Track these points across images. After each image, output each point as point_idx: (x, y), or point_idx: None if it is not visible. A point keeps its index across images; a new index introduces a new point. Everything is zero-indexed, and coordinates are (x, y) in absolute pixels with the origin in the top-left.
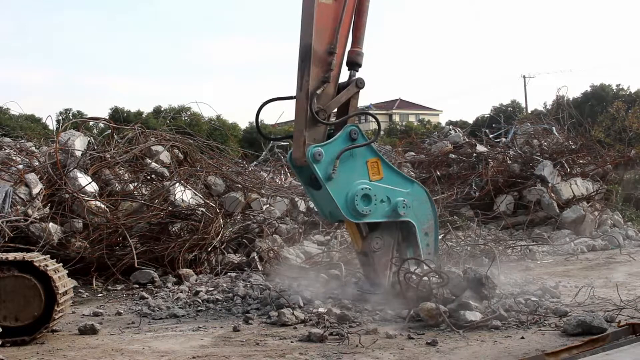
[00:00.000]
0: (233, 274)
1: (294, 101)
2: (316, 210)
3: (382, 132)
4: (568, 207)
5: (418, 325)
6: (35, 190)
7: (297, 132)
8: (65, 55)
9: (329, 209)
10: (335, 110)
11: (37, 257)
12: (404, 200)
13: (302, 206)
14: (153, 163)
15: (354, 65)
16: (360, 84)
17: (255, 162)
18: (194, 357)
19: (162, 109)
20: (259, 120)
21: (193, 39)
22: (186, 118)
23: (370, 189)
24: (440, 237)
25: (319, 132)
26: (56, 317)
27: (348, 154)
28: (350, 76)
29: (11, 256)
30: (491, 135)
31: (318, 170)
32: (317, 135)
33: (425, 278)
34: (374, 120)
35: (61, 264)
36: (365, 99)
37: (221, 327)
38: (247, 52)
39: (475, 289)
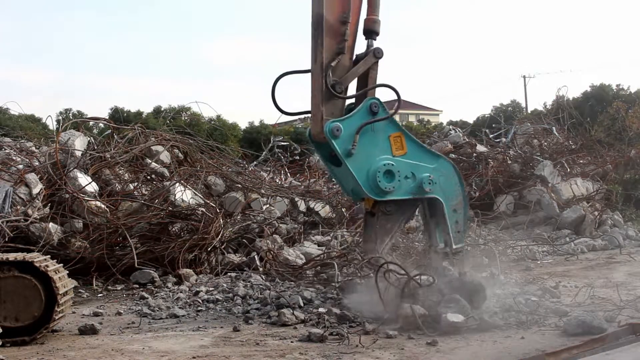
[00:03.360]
0: (233, 274)
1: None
2: (340, 187)
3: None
4: (568, 207)
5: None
6: (35, 190)
7: (314, 107)
8: (66, 55)
9: (350, 186)
10: (355, 82)
11: (37, 258)
12: (429, 176)
13: (302, 206)
14: (153, 163)
15: (371, 33)
16: (378, 54)
17: (255, 162)
18: (194, 357)
19: (162, 109)
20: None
21: (193, 39)
22: (186, 118)
23: (393, 164)
24: None
25: (336, 106)
26: (56, 317)
27: (369, 128)
28: (368, 46)
29: (11, 256)
30: (491, 135)
31: (337, 146)
32: (335, 110)
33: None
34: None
35: (61, 264)
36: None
37: (221, 327)
38: (247, 52)
39: (466, 294)
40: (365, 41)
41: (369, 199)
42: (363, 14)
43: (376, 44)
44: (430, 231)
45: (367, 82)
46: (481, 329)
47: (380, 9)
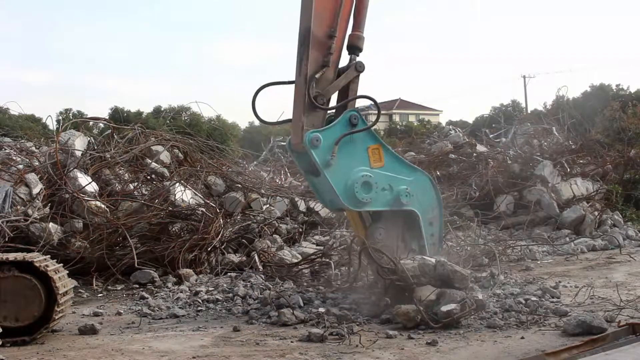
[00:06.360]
0: (233, 274)
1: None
2: (317, 198)
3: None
4: (568, 207)
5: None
6: (35, 190)
7: (295, 118)
8: (66, 55)
9: (328, 196)
10: (336, 95)
11: (37, 258)
12: (406, 189)
13: (302, 206)
14: (153, 163)
15: (354, 49)
16: (359, 68)
17: (255, 162)
18: (194, 357)
19: (162, 109)
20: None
21: (193, 39)
22: (186, 118)
23: (371, 176)
24: None
25: (317, 117)
26: (56, 317)
27: (348, 139)
28: (351, 60)
29: (11, 256)
30: (491, 135)
31: (316, 156)
32: (316, 121)
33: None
34: (374, 108)
35: (61, 264)
36: (365, 100)
37: (221, 327)
38: (247, 52)
39: (446, 285)
40: (349, 56)
41: (360, 233)
42: (349, 31)
43: (363, 55)
44: (406, 243)
45: (347, 95)
46: (479, 311)
47: (365, 27)
